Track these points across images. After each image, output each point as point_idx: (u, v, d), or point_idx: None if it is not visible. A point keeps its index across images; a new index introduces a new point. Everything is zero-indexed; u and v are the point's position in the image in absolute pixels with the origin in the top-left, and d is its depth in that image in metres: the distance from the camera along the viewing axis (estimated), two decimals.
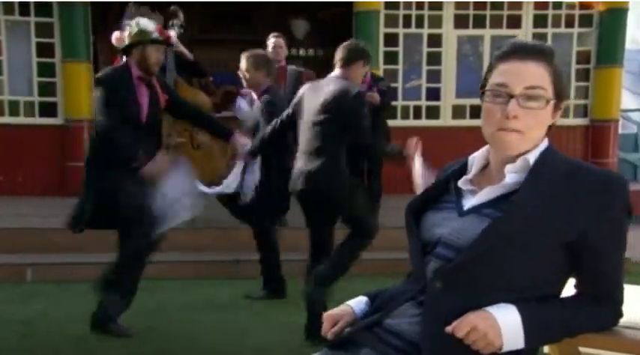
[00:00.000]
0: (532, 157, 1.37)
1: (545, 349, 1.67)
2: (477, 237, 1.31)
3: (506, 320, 1.29)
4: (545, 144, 1.41)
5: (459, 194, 1.47)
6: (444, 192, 1.51)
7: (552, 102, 1.37)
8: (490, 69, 1.42)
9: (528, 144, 1.38)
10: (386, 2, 7.36)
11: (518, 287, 1.33)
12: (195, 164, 5.29)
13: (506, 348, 1.29)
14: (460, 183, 1.47)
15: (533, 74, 1.36)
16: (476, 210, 1.39)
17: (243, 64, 4.24)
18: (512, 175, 1.38)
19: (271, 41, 5.42)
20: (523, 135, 1.36)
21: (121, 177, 3.43)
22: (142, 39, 3.58)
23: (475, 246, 1.31)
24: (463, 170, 1.51)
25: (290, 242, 4.84)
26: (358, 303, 1.56)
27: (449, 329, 1.28)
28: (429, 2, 7.46)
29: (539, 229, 1.30)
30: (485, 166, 1.48)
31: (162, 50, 3.72)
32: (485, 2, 7.50)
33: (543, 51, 1.39)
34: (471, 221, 1.37)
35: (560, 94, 1.40)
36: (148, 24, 3.66)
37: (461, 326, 1.27)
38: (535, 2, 7.57)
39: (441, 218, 1.44)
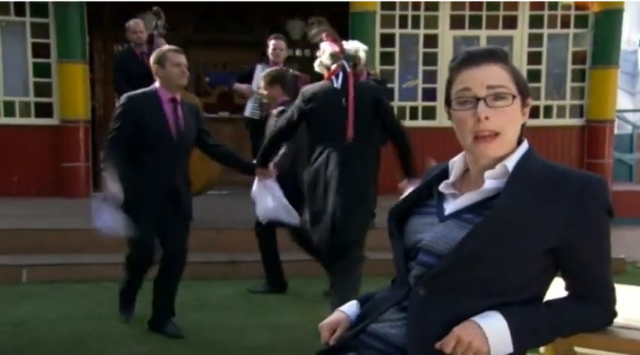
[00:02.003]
0: (511, 163, 1.38)
1: (541, 349, 1.68)
2: (457, 244, 1.32)
3: (491, 326, 1.29)
4: (524, 148, 1.42)
5: (441, 198, 1.48)
6: (427, 197, 1.53)
7: (518, 97, 1.39)
8: (449, 82, 1.44)
9: (506, 147, 1.39)
10: (382, 3, 7.36)
11: (501, 291, 1.33)
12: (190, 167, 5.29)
13: (495, 354, 1.29)
14: (441, 187, 1.48)
15: (493, 75, 1.38)
16: (456, 215, 1.40)
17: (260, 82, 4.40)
18: (491, 181, 1.39)
19: (272, 42, 5.38)
20: (501, 137, 1.37)
21: None
22: None
23: (456, 253, 1.32)
24: (444, 174, 1.52)
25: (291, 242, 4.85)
26: (350, 307, 1.58)
27: (437, 345, 1.29)
28: (425, 3, 7.47)
29: (520, 235, 1.31)
30: (466, 171, 1.49)
31: None
32: (481, 3, 7.51)
33: (495, 53, 1.41)
34: (451, 227, 1.38)
35: (523, 92, 1.41)
36: None
37: (447, 342, 1.29)
38: (531, 3, 7.58)
39: (422, 223, 1.46)
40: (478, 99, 1.36)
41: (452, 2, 7.47)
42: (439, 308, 1.33)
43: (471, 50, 1.44)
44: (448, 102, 1.44)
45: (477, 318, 1.31)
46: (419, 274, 1.39)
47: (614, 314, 1.45)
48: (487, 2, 7.51)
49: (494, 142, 1.37)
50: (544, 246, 1.33)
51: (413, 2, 7.46)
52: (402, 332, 1.35)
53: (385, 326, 1.40)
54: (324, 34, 3.68)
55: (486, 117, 1.35)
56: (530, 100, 1.44)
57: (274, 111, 4.38)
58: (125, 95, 3.58)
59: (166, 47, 3.71)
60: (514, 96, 1.38)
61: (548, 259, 1.36)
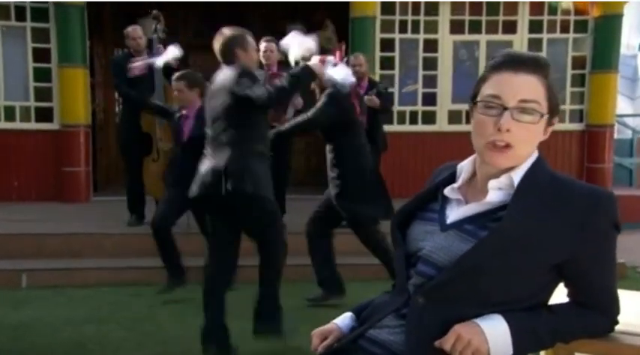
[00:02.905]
0: (517, 176, 1.35)
1: (541, 353, 1.67)
2: (459, 257, 1.30)
3: (492, 327, 1.29)
4: (533, 158, 1.38)
5: (445, 203, 1.46)
6: (431, 200, 1.50)
7: (546, 117, 1.34)
8: (483, 79, 1.38)
9: (515, 161, 1.35)
10: (382, 7, 7.38)
11: (503, 302, 1.32)
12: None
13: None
14: (446, 191, 1.45)
15: (528, 87, 1.32)
16: (457, 225, 1.38)
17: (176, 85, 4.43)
18: (496, 193, 1.36)
19: (262, 45, 5.39)
20: (513, 151, 1.33)
21: None
22: None
23: (457, 266, 1.30)
24: (452, 178, 1.49)
25: (289, 247, 4.84)
26: (344, 320, 1.57)
27: (437, 343, 1.28)
28: (425, 7, 7.49)
29: (527, 250, 1.29)
30: (473, 175, 1.46)
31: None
32: (480, 7, 7.53)
33: (539, 63, 1.35)
34: (452, 238, 1.36)
35: (553, 110, 1.36)
36: None
37: (447, 339, 1.28)
38: (530, 7, 7.60)
39: (423, 231, 1.43)
40: (505, 109, 1.31)
41: (451, 7, 7.48)
42: (438, 317, 1.32)
43: (513, 53, 1.38)
44: (474, 99, 1.38)
45: (477, 320, 1.30)
46: (418, 283, 1.38)
47: (616, 322, 1.45)
48: (487, 7, 7.53)
49: (504, 154, 1.33)
50: (552, 261, 1.32)
51: (413, 6, 7.48)
52: (400, 339, 1.35)
53: (383, 332, 1.39)
54: (338, 51, 4.07)
55: (508, 130, 1.30)
56: (556, 120, 1.38)
57: (185, 112, 4.46)
58: None
59: None
60: (542, 115, 1.33)
61: (553, 272, 1.35)
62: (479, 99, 1.36)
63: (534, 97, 1.32)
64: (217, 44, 3.45)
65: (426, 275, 1.36)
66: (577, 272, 1.35)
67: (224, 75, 3.39)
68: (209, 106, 3.46)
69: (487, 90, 1.35)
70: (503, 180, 1.36)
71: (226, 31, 3.46)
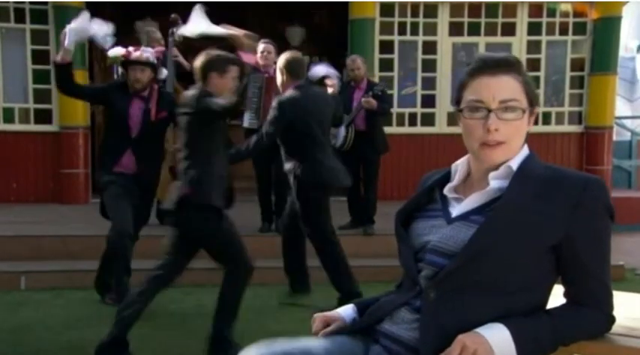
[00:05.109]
0: (515, 164, 1.42)
1: None
2: (467, 242, 1.34)
3: (495, 336, 1.31)
4: (525, 151, 1.46)
5: (445, 202, 1.50)
6: (428, 201, 1.55)
7: (528, 110, 1.42)
8: (463, 86, 1.46)
9: (509, 154, 1.43)
10: (381, 9, 7.39)
11: (508, 290, 1.36)
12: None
13: None
14: (445, 190, 1.51)
15: (506, 87, 1.41)
16: (463, 217, 1.43)
17: None
18: (496, 182, 1.42)
19: (260, 47, 5.40)
20: (507, 145, 1.41)
21: None
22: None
23: (465, 251, 1.34)
24: (446, 179, 1.54)
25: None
26: (346, 310, 1.60)
27: None
28: (424, 9, 7.50)
29: (524, 231, 1.34)
30: (468, 175, 1.52)
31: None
32: (480, 9, 7.54)
33: (511, 62, 1.44)
34: (460, 228, 1.40)
35: (532, 102, 1.45)
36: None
37: (452, 349, 1.29)
38: (530, 10, 7.61)
39: (429, 225, 1.47)
40: (489, 111, 1.39)
41: (451, 9, 7.49)
42: (450, 310, 1.35)
43: (486, 57, 1.45)
44: (458, 103, 1.47)
45: (479, 329, 1.32)
46: (430, 275, 1.40)
47: (613, 319, 1.46)
48: (486, 9, 7.54)
49: (499, 150, 1.41)
50: (547, 243, 1.36)
51: (412, 8, 7.49)
52: (417, 334, 1.37)
53: (401, 328, 1.42)
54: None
55: (496, 129, 1.39)
56: (537, 109, 1.48)
57: None
58: None
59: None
60: (524, 111, 1.41)
61: (549, 259, 1.39)
62: (463, 105, 1.44)
63: (513, 96, 1.41)
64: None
65: (438, 265, 1.39)
66: (571, 256, 1.38)
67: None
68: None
69: (469, 95, 1.44)
70: (502, 171, 1.43)
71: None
